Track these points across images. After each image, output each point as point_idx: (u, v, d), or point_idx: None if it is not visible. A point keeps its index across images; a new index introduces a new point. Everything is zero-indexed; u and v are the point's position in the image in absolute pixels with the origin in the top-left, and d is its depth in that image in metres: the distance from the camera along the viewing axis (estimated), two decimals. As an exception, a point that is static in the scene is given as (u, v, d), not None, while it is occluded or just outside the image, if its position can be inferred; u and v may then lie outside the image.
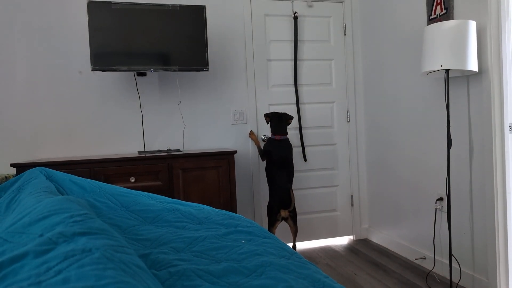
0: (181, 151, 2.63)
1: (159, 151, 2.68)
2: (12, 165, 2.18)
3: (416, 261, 2.61)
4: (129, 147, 2.75)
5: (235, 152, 2.48)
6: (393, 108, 2.80)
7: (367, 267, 2.57)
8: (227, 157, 2.47)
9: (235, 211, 2.47)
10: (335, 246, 3.07)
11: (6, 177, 2.35)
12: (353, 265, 2.63)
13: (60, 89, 2.63)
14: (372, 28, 3.03)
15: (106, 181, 2.30)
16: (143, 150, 2.77)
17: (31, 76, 2.58)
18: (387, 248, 2.94)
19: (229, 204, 2.46)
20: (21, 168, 2.19)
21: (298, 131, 3.08)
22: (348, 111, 3.19)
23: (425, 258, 2.52)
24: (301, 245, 3.08)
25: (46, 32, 2.60)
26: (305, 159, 3.08)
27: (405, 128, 2.68)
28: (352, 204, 3.21)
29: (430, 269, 2.46)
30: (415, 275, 2.41)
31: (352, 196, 3.21)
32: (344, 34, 3.17)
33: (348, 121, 3.20)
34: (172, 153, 2.46)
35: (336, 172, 3.18)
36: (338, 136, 3.18)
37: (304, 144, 3.09)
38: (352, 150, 3.20)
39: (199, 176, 2.43)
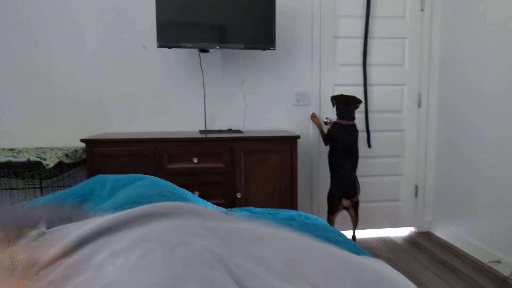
0: (242, 132, 2.57)
1: (220, 130, 2.63)
2: (82, 140, 2.23)
3: (489, 264, 2.41)
4: (191, 125, 2.73)
5: (298, 137, 2.37)
6: (475, 93, 2.52)
7: (432, 265, 2.42)
8: (290, 141, 2.37)
9: (295, 198, 2.39)
10: (395, 237, 2.93)
11: (75, 150, 2.42)
12: (416, 261, 2.49)
13: (125, 64, 2.62)
14: (455, 3, 2.69)
15: (170, 160, 2.29)
16: (204, 129, 2.74)
17: (98, 51, 2.59)
18: (453, 245, 2.75)
19: (290, 190, 2.38)
20: (90, 143, 2.24)
21: (363, 115, 2.89)
22: (419, 95, 2.93)
23: (499, 262, 2.32)
24: (359, 234, 2.97)
25: (113, 6, 2.57)
26: (369, 145, 2.90)
27: (488, 115, 2.40)
28: (416, 195, 3.02)
29: (507, 275, 2.26)
30: (489, 280, 2.23)
31: (416, 186, 3.01)
32: (422, 10, 2.86)
33: (419, 106, 2.94)
34: (234, 135, 2.40)
35: (401, 160, 2.98)
36: (406, 121, 2.95)
37: (370, 129, 2.90)
38: (421, 137, 2.96)
39: (261, 160, 2.36)
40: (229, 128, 2.76)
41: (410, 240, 2.86)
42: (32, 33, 2.52)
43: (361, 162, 2.92)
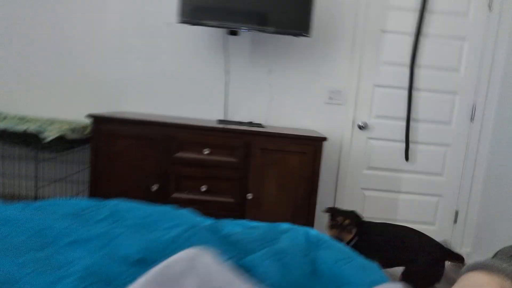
0: (263, 126, 2.31)
1: (240, 122, 2.39)
2: (89, 115, 2.06)
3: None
4: (209, 113, 2.51)
5: (324, 139, 2.07)
6: (546, 114, 2.10)
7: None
8: (315, 143, 2.08)
9: (313, 207, 2.11)
10: (425, 266, 2.55)
11: (84, 126, 2.27)
12: (447, 299, 2.12)
13: (146, 41, 2.44)
14: (534, 2, 2.27)
15: (179, 148, 2.08)
16: (223, 119, 2.51)
17: (119, 24, 2.42)
18: None
19: (308, 198, 2.10)
20: (97, 120, 2.07)
21: (404, 122, 2.53)
22: (474, 106, 2.53)
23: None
24: (382, 255, 2.63)
25: (141, -24, 2.39)
26: (407, 158, 2.54)
27: (560, 143, 1.98)
28: (455, 221, 2.63)
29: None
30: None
31: (457, 212, 2.62)
32: (490, 9, 2.45)
33: (472, 120, 2.54)
34: (252, 128, 2.14)
35: (442, 180, 2.60)
36: (454, 136, 2.56)
37: (410, 139, 2.54)
38: (470, 156, 2.56)
39: (279, 160, 2.09)
40: (250, 121, 2.51)
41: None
42: (52, 2, 2.39)
43: (394, 175, 2.57)
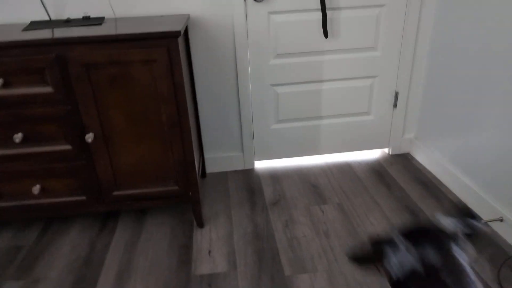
0: (102, 22, 1.51)
1: (68, 20, 1.56)
2: None
3: (489, 224, 1.63)
4: (21, 13, 1.63)
5: (177, 33, 1.31)
6: None
7: (401, 218, 1.66)
8: (165, 42, 1.32)
9: (188, 137, 1.47)
10: (358, 165, 2.11)
11: None
12: (379, 212, 1.71)
13: None
14: None
15: (-47, 85, 1.31)
16: (43, 19, 1.65)
17: None
18: (439, 180, 1.95)
19: (178, 124, 1.45)
20: None
21: (317, -18, 1.73)
22: None
23: (502, 220, 1.54)
24: (305, 161, 2.15)
25: None
26: (325, 34, 1.82)
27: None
28: (395, 105, 2.08)
29: (508, 241, 1.50)
30: (482, 249, 1.49)
31: (397, 93, 2.05)
32: None
33: (414, -39, 1.75)
34: (63, 34, 1.34)
35: (376, 55, 1.94)
36: (390, -10, 1.80)
37: (326, 5, 1.78)
38: (411, 19, 1.85)
39: (119, 77, 1.36)
40: (86, 15, 1.66)
41: (377, 170, 2.05)
42: None
43: (314, 59, 1.89)
